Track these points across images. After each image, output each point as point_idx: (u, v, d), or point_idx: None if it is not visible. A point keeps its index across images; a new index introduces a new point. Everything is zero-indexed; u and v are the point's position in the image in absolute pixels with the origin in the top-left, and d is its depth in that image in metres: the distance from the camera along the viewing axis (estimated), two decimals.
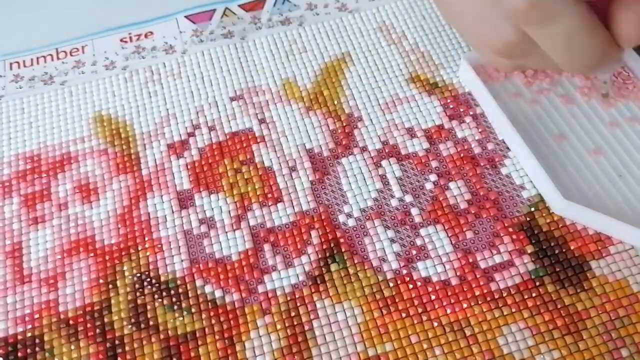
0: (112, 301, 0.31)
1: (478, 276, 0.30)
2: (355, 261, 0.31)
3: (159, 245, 0.32)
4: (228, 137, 0.36)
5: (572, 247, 0.31)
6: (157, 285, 0.31)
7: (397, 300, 0.30)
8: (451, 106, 0.36)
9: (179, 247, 0.32)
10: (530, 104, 0.35)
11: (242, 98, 0.38)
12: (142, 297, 0.31)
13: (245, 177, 0.35)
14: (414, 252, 0.31)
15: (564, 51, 0.27)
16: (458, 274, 0.30)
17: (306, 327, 0.29)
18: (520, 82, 0.36)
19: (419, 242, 0.31)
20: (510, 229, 0.31)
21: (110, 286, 0.31)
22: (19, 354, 0.30)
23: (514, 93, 0.36)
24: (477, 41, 0.32)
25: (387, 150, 0.35)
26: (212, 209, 0.33)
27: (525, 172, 0.33)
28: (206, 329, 0.30)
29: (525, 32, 0.27)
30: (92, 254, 0.32)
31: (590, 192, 0.32)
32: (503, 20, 0.28)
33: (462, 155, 0.34)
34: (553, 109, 0.35)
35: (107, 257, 0.32)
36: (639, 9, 0.26)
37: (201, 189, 0.34)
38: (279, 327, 0.29)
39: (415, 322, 0.29)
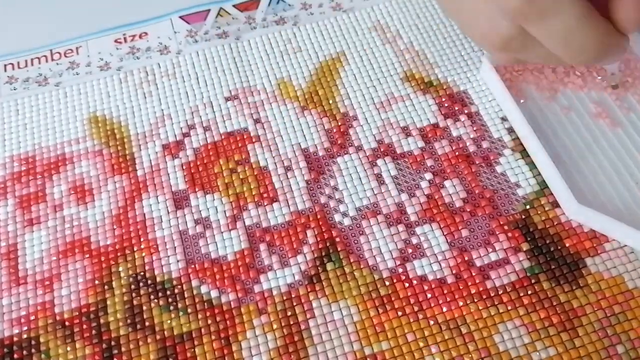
0: (108, 302, 0.31)
1: (474, 274, 0.30)
2: (351, 260, 0.31)
3: (155, 246, 0.32)
4: (223, 137, 0.36)
5: (567, 245, 0.31)
6: (152, 285, 0.31)
7: (392, 298, 0.30)
8: (446, 105, 0.36)
9: (175, 247, 0.32)
10: (546, 101, 0.35)
11: (237, 98, 0.38)
12: (138, 297, 0.31)
13: (241, 177, 0.34)
14: (410, 250, 0.31)
15: (564, 45, 0.27)
16: (454, 272, 0.30)
17: (302, 327, 0.29)
18: (544, 84, 0.36)
19: (414, 240, 0.31)
20: (506, 227, 0.31)
21: (106, 287, 0.31)
22: (15, 356, 0.29)
23: (537, 94, 0.36)
24: (476, 36, 0.32)
25: (382, 149, 0.35)
26: (208, 209, 0.33)
27: (522, 171, 0.33)
28: (202, 329, 0.30)
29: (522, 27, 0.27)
30: (87, 255, 0.32)
31: (606, 199, 0.31)
32: (499, 15, 0.27)
33: (457, 153, 0.34)
34: (574, 111, 0.35)
35: (102, 258, 0.32)
36: None
37: (196, 189, 0.34)
38: (275, 326, 0.29)
39: (411, 320, 0.29)
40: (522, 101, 0.35)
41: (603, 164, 0.33)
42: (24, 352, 0.30)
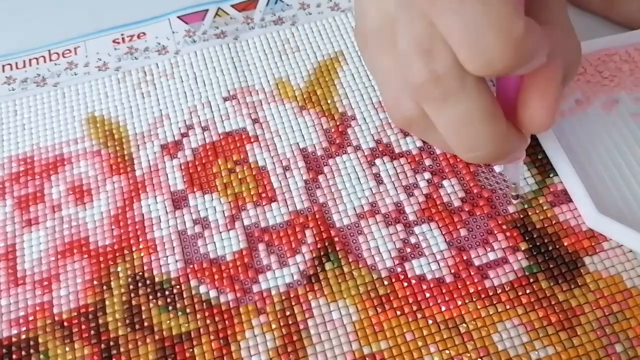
0: (107, 302, 0.31)
1: (472, 273, 0.30)
2: (350, 260, 0.31)
3: (153, 246, 0.32)
4: (222, 137, 0.36)
5: (565, 244, 0.31)
6: (151, 286, 0.31)
7: (391, 298, 0.30)
8: None
9: (173, 247, 0.32)
10: (570, 108, 0.35)
11: (235, 98, 0.38)
12: (137, 298, 0.31)
13: (239, 177, 0.35)
14: (408, 250, 0.31)
15: (457, 136, 0.26)
16: (452, 271, 0.30)
17: (301, 326, 0.29)
18: (569, 91, 0.36)
19: (413, 240, 0.31)
20: (504, 226, 0.32)
21: (105, 287, 0.31)
22: (14, 356, 0.29)
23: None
24: (384, 104, 0.31)
25: (380, 149, 0.35)
26: (206, 209, 0.33)
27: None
28: (201, 329, 0.30)
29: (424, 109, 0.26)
30: (86, 256, 0.32)
31: (627, 209, 0.31)
32: (405, 91, 0.27)
33: None
34: (596, 117, 0.34)
35: (101, 259, 0.32)
36: (547, 96, 0.25)
37: (195, 190, 0.34)
38: (274, 326, 0.29)
39: (410, 319, 0.29)
40: None
41: (625, 174, 0.32)
42: (23, 353, 0.30)
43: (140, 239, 0.33)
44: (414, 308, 0.30)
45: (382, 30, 0.27)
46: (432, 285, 0.30)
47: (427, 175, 0.34)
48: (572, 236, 0.31)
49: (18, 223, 0.34)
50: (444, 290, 0.30)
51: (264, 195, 0.34)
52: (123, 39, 0.42)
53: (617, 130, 0.34)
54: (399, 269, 0.31)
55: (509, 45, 0.22)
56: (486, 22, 0.21)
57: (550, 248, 0.31)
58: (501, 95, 0.27)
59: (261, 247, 0.32)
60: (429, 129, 0.28)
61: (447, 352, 0.28)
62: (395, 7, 0.25)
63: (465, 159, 0.29)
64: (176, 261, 0.32)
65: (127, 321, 0.30)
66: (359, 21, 0.29)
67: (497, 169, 0.33)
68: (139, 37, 0.42)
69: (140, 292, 0.31)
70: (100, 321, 0.30)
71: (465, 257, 0.31)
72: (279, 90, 0.38)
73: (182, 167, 0.35)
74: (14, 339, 0.30)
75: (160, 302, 0.31)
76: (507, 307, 0.29)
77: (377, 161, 0.34)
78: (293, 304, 0.30)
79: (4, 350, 0.30)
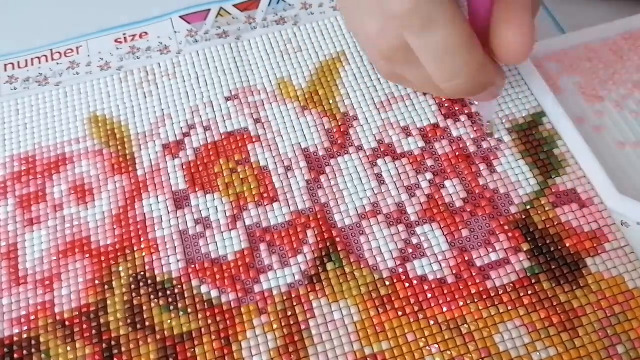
0: (108, 302, 0.31)
1: (474, 274, 0.30)
2: (351, 260, 0.31)
3: (155, 246, 0.32)
4: (223, 137, 0.36)
5: (567, 245, 0.31)
6: (153, 285, 0.31)
7: (393, 298, 0.30)
8: (446, 105, 0.36)
9: (175, 247, 0.32)
10: (588, 99, 0.36)
11: (237, 98, 0.38)
12: (138, 297, 0.31)
13: (241, 176, 0.34)
14: (410, 250, 0.31)
15: (437, 63, 0.27)
16: (454, 272, 0.30)
17: (302, 327, 0.29)
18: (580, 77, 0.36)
19: (414, 240, 0.31)
20: (506, 227, 0.31)
21: (106, 287, 0.31)
22: (15, 356, 0.29)
23: (573, 87, 0.36)
24: (364, 39, 0.32)
25: (382, 149, 0.35)
26: (208, 209, 0.33)
27: (522, 171, 0.33)
28: (202, 329, 0.30)
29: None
30: (87, 255, 0.32)
31: None
32: (389, 23, 0.27)
33: (457, 153, 0.34)
34: (613, 104, 0.35)
35: (102, 258, 0.32)
36: (518, 24, 0.26)
37: (197, 189, 0.34)
38: (275, 326, 0.29)
39: (412, 320, 0.29)
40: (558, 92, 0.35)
41: None
42: (24, 352, 0.30)
43: (142, 239, 0.33)
44: (416, 309, 0.29)
45: None
46: (433, 286, 0.30)
47: (429, 175, 0.34)
48: (574, 237, 0.31)
49: (20, 222, 0.34)
50: (445, 291, 0.30)
51: (265, 195, 0.34)
52: (125, 38, 0.42)
53: (626, 119, 0.35)
54: (400, 270, 0.31)
55: None
56: None
57: (552, 249, 0.31)
58: (475, 24, 0.27)
59: (263, 247, 0.32)
60: (409, 61, 0.28)
61: (448, 352, 0.28)
62: None
63: (446, 89, 0.29)
64: (177, 261, 0.32)
65: (129, 321, 0.30)
66: None
67: (474, 108, 0.35)
68: (141, 36, 0.42)
69: (142, 291, 0.31)
70: (102, 321, 0.30)
71: (467, 258, 0.31)
72: (281, 90, 0.38)
73: (184, 167, 0.35)
74: (15, 339, 0.30)
75: (161, 302, 0.31)
76: (509, 308, 0.29)
77: (379, 161, 0.34)
78: (294, 304, 0.30)
79: (6, 350, 0.30)
